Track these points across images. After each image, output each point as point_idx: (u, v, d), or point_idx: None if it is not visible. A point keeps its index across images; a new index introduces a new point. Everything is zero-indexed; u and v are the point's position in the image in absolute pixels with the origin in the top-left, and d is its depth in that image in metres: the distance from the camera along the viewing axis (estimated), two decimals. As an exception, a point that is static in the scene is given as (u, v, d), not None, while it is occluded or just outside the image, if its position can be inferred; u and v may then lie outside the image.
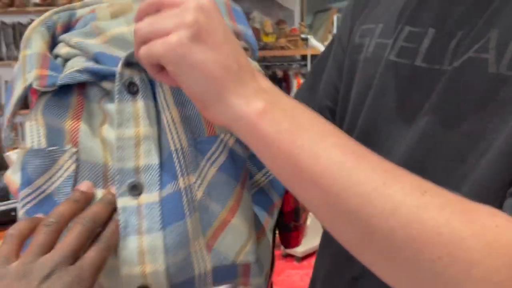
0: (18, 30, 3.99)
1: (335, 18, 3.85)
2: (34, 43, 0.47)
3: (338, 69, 0.65)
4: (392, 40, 0.54)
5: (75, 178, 0.44)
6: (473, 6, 0.47)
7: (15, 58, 3.47)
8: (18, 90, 0.45)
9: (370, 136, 0.53)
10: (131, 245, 0.42)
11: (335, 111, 0.64)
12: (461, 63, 0.45)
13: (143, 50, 0.39)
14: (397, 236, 0.34)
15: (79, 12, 0.51)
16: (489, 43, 0.43)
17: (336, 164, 0.36)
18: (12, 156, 1.87)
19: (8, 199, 1.26)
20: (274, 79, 3.94)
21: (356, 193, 0.35)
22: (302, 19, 4.13)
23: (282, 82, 3.92)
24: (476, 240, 0.33)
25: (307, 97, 0.69)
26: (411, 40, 0.52)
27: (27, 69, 0.45)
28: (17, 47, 3.98)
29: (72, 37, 0.47)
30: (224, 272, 0.45)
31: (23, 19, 3.98)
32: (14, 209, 1.26)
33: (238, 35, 0.45)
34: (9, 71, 4.07)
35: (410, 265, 0.34)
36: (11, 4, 3.86)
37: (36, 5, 3.92)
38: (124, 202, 0.43)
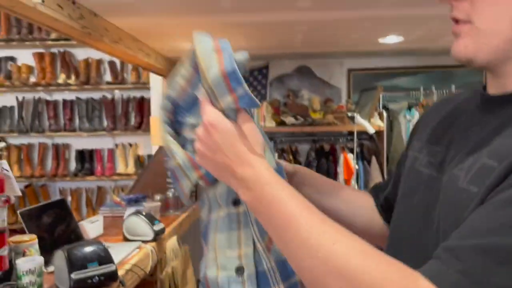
0: (90, 104, 4.46)
1: (381, 96, 4.03)
2: (174, 148, 0.72)
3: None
4: (422, 155, 0.74)
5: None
6: (467, 137, 0.65)
7: (86, 130, 3.88)
8: (188, 186, 0.74)
9: (399, 223, 0.74)
10: (233, 236, 0.70)
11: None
12: (449, 176, 0.63)
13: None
14: (315, 271, 0.55)
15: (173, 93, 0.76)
16: (464, 164, 0.60)
17: (287, 225, 0.59)
18: (86, 225, 2.10)
19: (86, 268, 1.44)
20: (321, 152, 4.10)
21: (294, 243, 0.57)
22: (349, 96, 4.34)
23: (329, 156, 4.07)
24: (368, 274, 0.51)
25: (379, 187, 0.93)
26: (432, 155, 0.71)
27: (188, 173, 0.72)
28: (89, 120, 4.43)
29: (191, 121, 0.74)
30: (285, 265, 0.69)
31: (95, 95, 4.46)
32: (91, 277, 1.45)
33: (235, 102, 0.67)
34: (80, 141, 4.51)
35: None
36: (86, 83, 4.35)
37: (108, 83, 4.39)
38: (230, 209, 0.71)
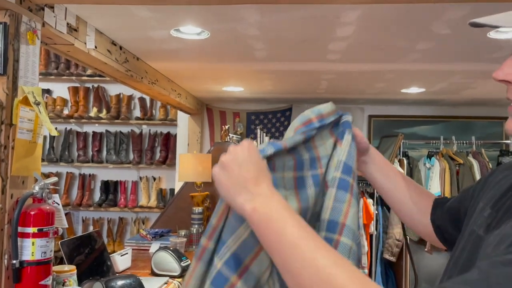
0: (119, 137, 4.63)
1: (401, 143, 4.10)
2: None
3: (458, 210, 0.93)
4: (479, 215, 0.79)
5: None
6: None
7: (112, 162, 4.01)
8: None
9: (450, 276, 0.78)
10: None
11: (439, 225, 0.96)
12: (487, 240, 0.67)
13: None
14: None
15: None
16: (499, 231, 0.65)
17: (298, 248, 0.62)
18: (117, 257, 2.19)
19: (124, 300, 1.52)
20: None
21: (297, 262, 0.61)
22: (369, 142, 4.43)
23: (348, 199, 4.11)
24: None
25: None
26: (487, 217, 0.76)
27: None
28: (116, 152, 4.59)
29: None
30: None
31: (124, 129, 4.64)
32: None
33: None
34: (106, 172, 4.65)
35: None
36: (117, 117, 4.53)
37: (138, 118, 4.57)
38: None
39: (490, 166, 3.92)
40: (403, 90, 3.64)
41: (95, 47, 2.04)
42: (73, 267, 1.70)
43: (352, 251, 0.75)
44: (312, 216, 0.82)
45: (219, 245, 0.71)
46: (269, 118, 4.61)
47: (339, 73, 3.01)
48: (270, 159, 0.74)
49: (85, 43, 1.95)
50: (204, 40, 2.22)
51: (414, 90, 3.61)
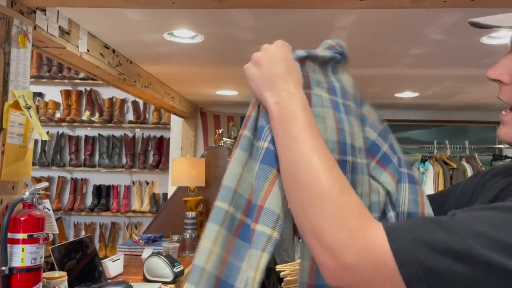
0: (111, 141, 4.60)
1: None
2: None
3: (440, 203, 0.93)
4: None
5: None
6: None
7: (105, 166, 3.96)
8: None
9: None
10: None
11: None
12: None
13: None
14: (306, 188, 0.63)
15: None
16: None
17: (299, 141, 0.66)
18: (109, 263, 2.16)
19: (115, 308, 1.50)
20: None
21: (302, 162, 0.65)
22: (363, 146, 4.44)
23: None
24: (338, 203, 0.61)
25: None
26: None
27: None
28: (108, 156, 4.55)
29: None
30: None
31: (117, 133, 4.61)
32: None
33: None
34: (98, 177, 4.61)
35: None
36: (110, 121, 4.50)
37: (131, 122, 4.54)
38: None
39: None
40: (397, 95, 3.65)
41: (88, 50, 2.02)
42: (64, 273, 1.67)
43: None
44: (359, 151, 0.82)
45: (259, 131, 0.73)
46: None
47: (333, 77, 3.01)
48: (304, 74, 0.77)
49: (77, 47, 1.94)
50: (198, 44, 2.21)
51: (407, 94, 3.62)
